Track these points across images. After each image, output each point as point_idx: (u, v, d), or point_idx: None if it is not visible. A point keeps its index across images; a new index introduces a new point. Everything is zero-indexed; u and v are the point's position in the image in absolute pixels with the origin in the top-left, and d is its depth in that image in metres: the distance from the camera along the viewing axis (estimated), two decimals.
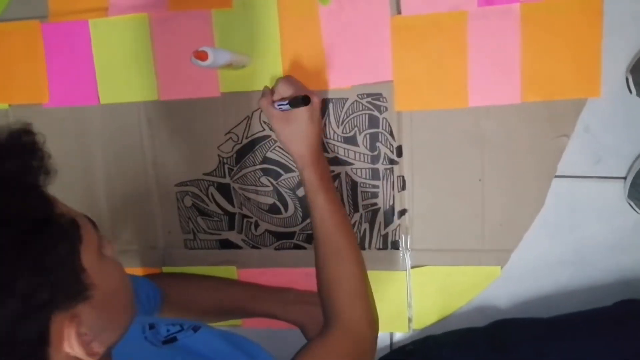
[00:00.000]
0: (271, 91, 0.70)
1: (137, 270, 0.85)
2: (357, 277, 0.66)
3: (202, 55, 0.65)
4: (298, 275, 0.80)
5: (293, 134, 0.68)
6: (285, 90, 0.68)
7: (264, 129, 0.78)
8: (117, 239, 0.85)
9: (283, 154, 0.78)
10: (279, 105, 0.67)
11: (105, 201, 0.85)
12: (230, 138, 0.79)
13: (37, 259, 0.35)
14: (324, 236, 0.67)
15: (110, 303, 0.43)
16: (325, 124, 0.76)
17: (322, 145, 0.75)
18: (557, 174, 0.73)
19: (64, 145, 0.84)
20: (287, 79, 0.70)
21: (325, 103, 0.75)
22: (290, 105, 0.66)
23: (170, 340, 0.58)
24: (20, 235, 0.35)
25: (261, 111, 0.77)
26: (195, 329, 0.59)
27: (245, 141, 0.79)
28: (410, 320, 0.80)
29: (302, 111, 0.66)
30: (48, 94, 0.84)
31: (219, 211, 0.82)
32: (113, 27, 0.80)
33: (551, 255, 0.77)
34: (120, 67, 0.81)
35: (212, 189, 0.81)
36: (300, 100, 0.65)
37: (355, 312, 0.64)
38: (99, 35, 0.81)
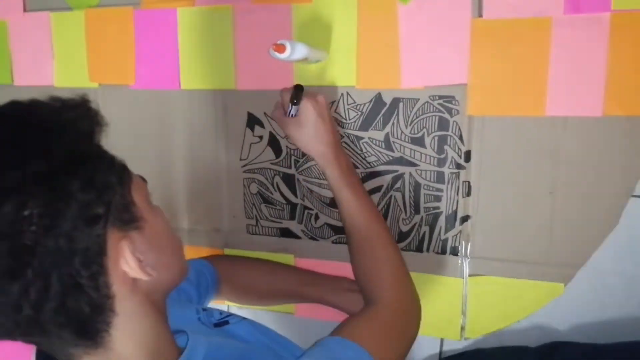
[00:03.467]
0: (280, 105, 0.73)
1: (201, 250, 0.89)
2: (394, 260, 0.67)
3: (280, 48, 0.67)
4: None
5: (308, 136, 0.70)
6: (288, 96, 0.70)
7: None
8: (187, 218, 0.90)
9: (349, 150, 0.79)
10: (289, 113, 0.70)
11: (179, 181, 0.89)
12: None
13: (89, 178, 0.41)
14: (355, 229, 0.68)
15: (160, 243, 0.48)
16: (393, 123, 0.77)
17: (341, 143, 0.76)
18: (635, 193, 0.69)
19: (145, 125, 0.89)
20: (286, 88, 0.73)
21: (395, 102, 0.76)
22: (293, 104, 0.69)
23: (221, 323, 0.62)
24: (72, 156, 0.41)
25: (331, 106, 0.79)
26: (243, 319, 0.62)
27: None
28: (463, 328, 0.78)
29: (310, 112, 0.69)
30: (134, 76, 0.89)
31: (282, 200, 0.84)
32: (199, 17, 0.84)
33: (619, 278, 0.73)
34: (202, 55, 0.85)
35: (277, 178, 0.84)
36: (294, 92, 0.68)
37: (396, 292, 0.65)
38: (185, 23, 0.85)
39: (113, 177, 0.44)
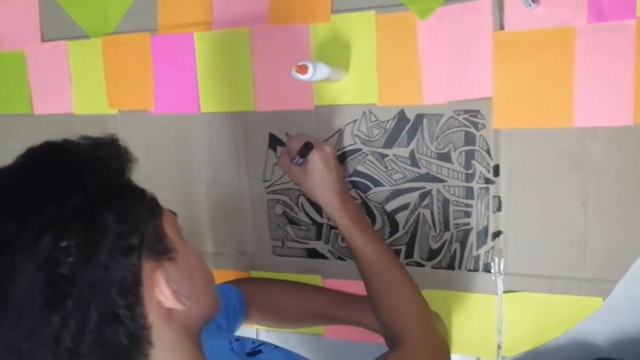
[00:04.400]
0: (288, 151, 0.75)
1: (227, 273, 0.89)
2: (416, 301, 0.68)
3: (302, 69, 0.67)
4: None
5: (315, 185, 0.72)
6: (296, 146, 0.73)
7: (355, 142, 0.79)
8: (211, 241, 0.89)
9: (374, 168, 0.78)
10: (295, 162, 0.73)
11: (202, 205, 0.89)
12: None
13: (123, 211, 0.43)
14: (374, 276, 0.69)
15: (192, 275, 0.49)
16: (418, 140, 0.76)
17: (348, 190, 0.78)
18: None
19: (166, 150, 0.89)
20: (296, 136, 0.75)
21: (420, 119, 0.75)
22: (300, 157, 0.72)
23: (254, 352, 0.61)
24: (106, 191, 0.43)
25: (353, 124, 0.78)
26: (276, 347, 0.63)
27: (336, 153, 0.80)
28: (499, 347, 0.76)
29: (316, 162, 0.71)
30: (154, 101, 0.89)
31: (308, 220, 0.83)
32: (216, 41, 0.84)
33: None
34: (221, 78, 0.85)
35: (302, 199, 0.83)
36: (304, 148, 0.71)
37: (423, 331, 0.65)
38: (203, 47, 0.85)
39: (145, 209, 0.45)
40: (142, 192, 0.47)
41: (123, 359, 0.43)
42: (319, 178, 0.72)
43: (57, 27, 0.94)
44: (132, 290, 0.42)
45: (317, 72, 0.69)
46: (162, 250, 0.46)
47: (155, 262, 0.45)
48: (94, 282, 0.40)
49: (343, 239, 0.73)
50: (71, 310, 0.39)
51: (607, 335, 0.73)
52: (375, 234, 0.73)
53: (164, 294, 0.44)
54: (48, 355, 0.40)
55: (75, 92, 0.95)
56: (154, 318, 0.44)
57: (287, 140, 0.74)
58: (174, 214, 0.51)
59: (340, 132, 0.79)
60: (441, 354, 0.65)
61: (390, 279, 0.68)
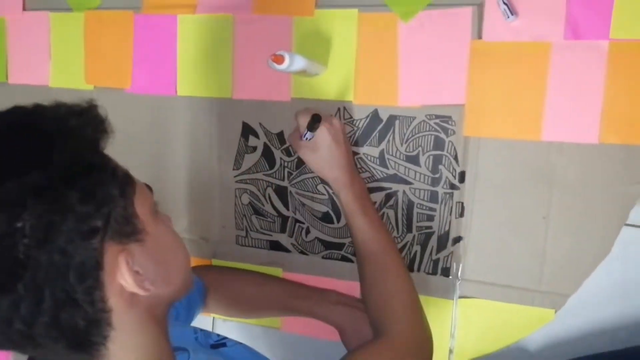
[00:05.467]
0: (297, 128, 0.72)
1: None
2: (407, 291, 0.66)
3: (278, 59, 0.67)
4: (342, 287, 0.80)
5: (323, 160, 0.70)
6: (304, 120, 0.69)
7: None
8: (176, 226, 0.88)
9: None
10: (304, 137, 0.70)
11: (170, 187, 0.88)
12: None
13: (89, 190, 0.40)
14: (368, 257, 0.67)
15: (163, 256, 0.47)
16: (389, 140, 0.76)
17: (356, 167, 0.76)
18: (628, 222, 0.69)
19: (139, 129, 0.89)
20: (304, 110, 0.72)
21: (392, 120, 0.75)
22: (309, 130, 0.68)
23: (218, 345, 0.61)
24: (73, 167, 0.40)
25: None
26: (239, 343, 0.62)
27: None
28: (451, 351, 0.77)
29: (324, 136, 0.68)
30: (131, 80, 0.88)
31: (274, 212, 0.83)
32: (199, 24, 0.84)
33: (609, 308, 0.73)
34: (200, 63, 0.84)
35: (269, 190, 0.83)
36: (312, 120, 0.67)
37: (408, 325, 0.63)
38: (185, 30, 0.85)
39: (115, 188, 0.42)
40: (114, 168, 0.44)
41: (80, 340, 0.41)
42: (327, 152, 0.69)
43: None
44: (91, 275, 0.40)
45: (294, 63, 0.69)
46: (129, 232, 0.43)
47: (120, 245, 0.42)
48: (49, 266, 0.38)
49: (344, 217, 0.70)
50: (22, 294, 0.37)
51: (557, 347, 0.74)
52: (378, 218, 0.71)
53: (125, 279, 0.42)
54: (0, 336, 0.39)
55: (53, 64, 0.94)
56: (114, 302, 0.42)
57: (295, 115, 0.71)
58: (150, 189, 0.48)
59: None
60: (423, 351, 0.63)
61: (384, 265, 0.66)
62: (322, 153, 0.69)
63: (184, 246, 0.51)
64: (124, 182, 0.44)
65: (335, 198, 0.70)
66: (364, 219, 0.68)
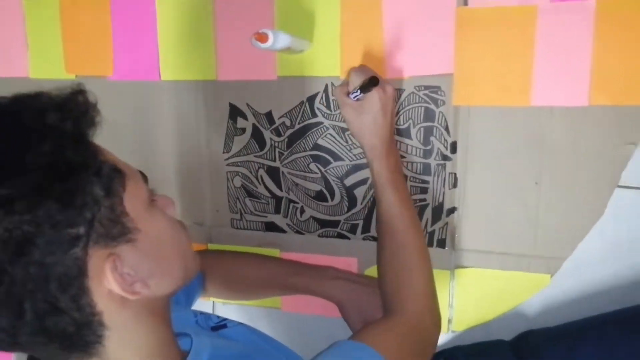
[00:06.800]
0: (346, 82, 0.69)
1: None
2: (424, 274, 0.65)
3: (262, 37, 0.66)
4: (339, 264, 0.80)
5: (365, 124, 0.66)
6: (357, 79, 0.66)
7: (317, 115, 0.78)
8: None
9: (334, 142, 0.78)
10: (352, 94, 0.67)
11: (159, 175, 0.87)
12: (283, 122, 0.80)
13: (68, 195, 0.37)
14: (391, 232, 0.66)
15: (159, 250, 0.44)
16: None
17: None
18: (620, 183, 0.69)
19: (124, 118, 0.87)
20: (359, 68, 0.68)
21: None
22: (361, 90, 0.65)
23: (218, 327, 0.60)
24: (50, 171, 0.37)
25: (315, 97, 0.77)
26: (240, 324, 0.61)
27: (297, 126, 0.79)
28: (450, 321, 0.78)
29: (374, 101, 0.65)
30: (112, 67, 0.86)
31: (267, 194, 0.83)
32: (178, 4, 0.81)
33: (604, 269, 0.73)
34: (182, 46, 0.82)
35: (261, 172, 0.82)
36: (368, 83, 0.63)
37: (419, 306, 0.63)
38: (164, 11, 0.82)
39: (99, 189, 0.39)
40: (99, 164, 0.40)
41: (73, 341, 0.40)
42: (371, 118, 0.65)
43: None
44: (74, 284, 0.38)
45: (278, 40, 0.67)
46: (117, 234, 0.40)
47: (107, 249, 0.39)
48: (26, 280, 0.36)
49: (373, 187, 0.68)
50: None
51: (554, 312, 0.75)
52: (408, 195, 0.69)
53: (112, 286, 0.40)
54: None
55: (31, 53, 0.91)
56: (104, 305, 0.40)
57: (350, 72, 0.68)
58: (145, 177, 0.46)
59: (302, 104, 0.78)
60: (429, 335, 0.62)
61: (404, 244, 0.65)
62: (366, 117, 0.66)
63: (183, 233, 0.48)
64: (111, 178, 0.40)
65: (369, 166, 0.68)
66: (393, 193, 0.65)
